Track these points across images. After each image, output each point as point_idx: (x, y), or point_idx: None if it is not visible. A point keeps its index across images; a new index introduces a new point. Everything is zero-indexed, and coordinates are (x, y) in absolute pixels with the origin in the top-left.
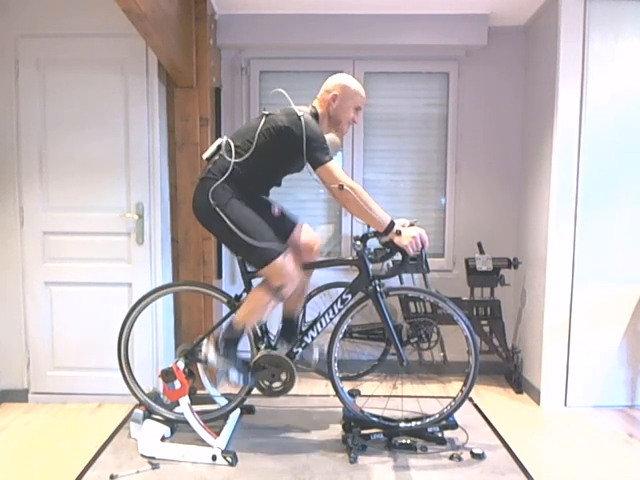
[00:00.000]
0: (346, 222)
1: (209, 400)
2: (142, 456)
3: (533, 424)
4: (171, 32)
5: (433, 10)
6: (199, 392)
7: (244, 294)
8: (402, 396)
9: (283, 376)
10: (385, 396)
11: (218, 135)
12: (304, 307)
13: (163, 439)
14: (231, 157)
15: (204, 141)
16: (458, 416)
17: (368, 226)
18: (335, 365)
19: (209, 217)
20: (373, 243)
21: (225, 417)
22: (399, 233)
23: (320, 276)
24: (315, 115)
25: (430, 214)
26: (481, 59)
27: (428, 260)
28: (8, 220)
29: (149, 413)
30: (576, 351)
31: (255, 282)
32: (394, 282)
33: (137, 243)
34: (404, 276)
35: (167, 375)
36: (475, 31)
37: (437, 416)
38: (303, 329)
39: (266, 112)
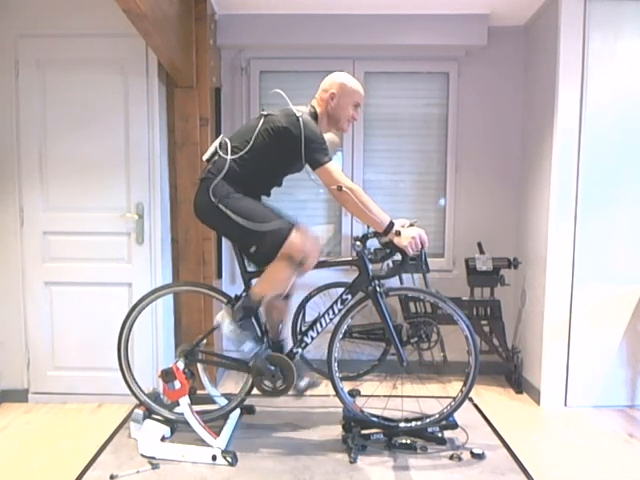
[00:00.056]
0: (346, 222)
1: (209, 400)
2: (142, 456)
3: (533, 424)
4: (171, 32)
5: (433, 10)
6: (199, 392)
7: (244, 294)
8: (402, 396)
9: (283, 376)
10: (385, 396)
11: (218, 135)
12: (304, 307)
13: (163, 439)
14: (228, 155)
15: (204, 141)
16: (458, 416)
17: (368, 226)
18: (335, 365)
19: (213, 216)
20: (373, 243)
21: (225, 417)
22: (398, 233)
23: (320, 276)
24: (314, 114)
25: (430, 214)
26: (481, 59)
27: (428, 260)
28: (8, 220)
29: (149, 413)
30: (576, 351)
31: (255, 282)
32: (394, 282)
33: (137, 243)
34: (404, 276)
35: (167, 375)
36: (475, 31)
37: (437, 416)
38: (303, 329)
39: (265, 112)
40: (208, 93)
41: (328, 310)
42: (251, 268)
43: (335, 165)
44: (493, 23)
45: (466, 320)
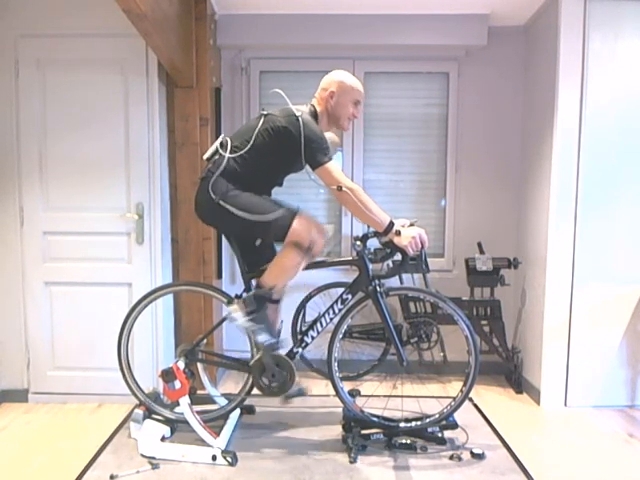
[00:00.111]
0: (346, 222)
1: (209, 400)
2: (142, 456)
3: (533, 424)
4: (171, 32)
5: (433, 10)
6: (199, 392)
7: (244, 294)
8: (402, 396)
9: (283, 376)
10: (385, 396)
11: (218, 135)
12: (304, 307)
13: (163, 439)
14: (227, 153)
15: (204, 141)
16: (458, 416)
17: (368, 226)
18: (335, 365)
19: (215, 213)
20: (373, 243)
21: (225, 417)
22: (399, 233)
23: (320, 276)
24: (314, 113)
25: (430, 214)
26: (481, 59)
27: (428, 260)
28: (8, 220)
29: (149, 413)
30: (576, 351)
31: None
32: (394, 282)
33: (137, 243)
34: (404, 276)
35: (167, 375)
36: (475, 31)
37: (437, 416)
38: (303, 329)
39: (265, 112)
40: (208, 93)
41: (328, 310)
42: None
43: (335, 165)
44: (493, 23)
45: (466, 320)
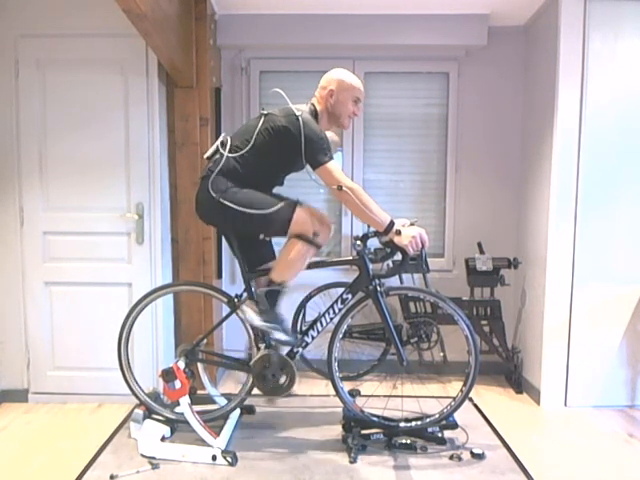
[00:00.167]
0: (346, 222)
1: (209, 400)
2: (142, 456)
3: (533, 424)
4: (171, 32)
5: (433, 10)
6: (199, 392)
7: (244, 294)
8: (402, 396)
9: (283, 376)
10: (385, 396)
11: (218, 135)
12: (304, 307)
13: (163, 439)
14: (226, 151)
15: (204, 141)
16: (458, 416)
17: (368, 226)
18: (335, 365)
19: (216, 211)
20: (373, 243)
21: (225, 417)
22: (399, 233)
23: (320, 276)
24: (314, 113)
25: (430, 214)
26: (481, 59)
27: (428, 260)
28: (8, 220)
29: (149, 413)
30: (576, 351)
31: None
32: (394, 282)
33: (137, 243)
34: (404, 276)
35: (167, 375)
36: (475, 31)
37: (437, 416)
38: (304, 329)
39: (265, 112)
40: (208, 93)
41: (328, 309)
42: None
43: (335, 165)
44: (493, 23)
45: (466, 320)
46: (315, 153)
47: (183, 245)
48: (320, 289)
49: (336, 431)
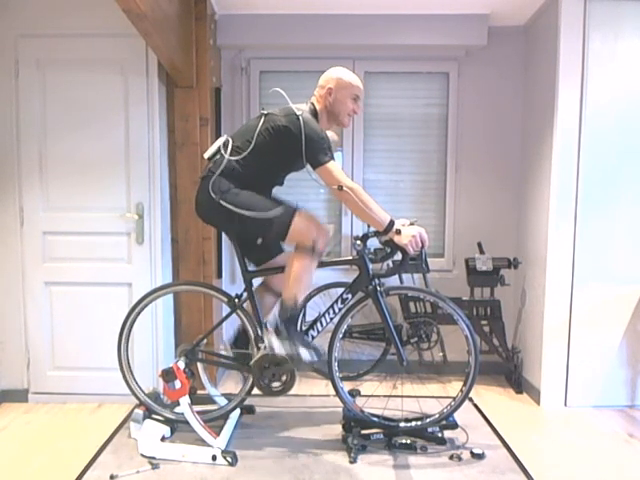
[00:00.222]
0: (346, 222)
1: (209, 400)
2: (142, 456)
3: (533, 424)
4: (171, 32)
5: (433, 10)
6: (199, 392)
7: (244, 293)
8: (402, 396)
9: (283, 376)
10: (385, 396)
11: (218, 135)
12: (304, 307)
13: (163, 439)
14: (227, 154)
15: (204, 141)
16: (458, 416)
17: (368, 226)
18: (335, 365)
19: (215, 212)
20: (373, 243)
21: (225, 417)
22: (399, 232)
23: (320, 276)
24: (314, 112)
25: (430, 214)
26: (481, 59)
27: (428, 260)
28: (8, 220)
29: (149, 413)
30: (576, 351)
31: (256, 281)
32: (394, 282)
33: (137, 243)
34: (404, 276)
35: (167, 375)
36: (475, 31)
37: (437, 416)
38: (304, 328)
39: (265, 112)
40: (208, 93)
41: (328, 309)
42: (251, 267)
43: (336, 164)
44: (493, 23)
45: (466, 320)
46: (316, 153)
47: (183, 245)
48: (320, 289)
49: (336, 431)
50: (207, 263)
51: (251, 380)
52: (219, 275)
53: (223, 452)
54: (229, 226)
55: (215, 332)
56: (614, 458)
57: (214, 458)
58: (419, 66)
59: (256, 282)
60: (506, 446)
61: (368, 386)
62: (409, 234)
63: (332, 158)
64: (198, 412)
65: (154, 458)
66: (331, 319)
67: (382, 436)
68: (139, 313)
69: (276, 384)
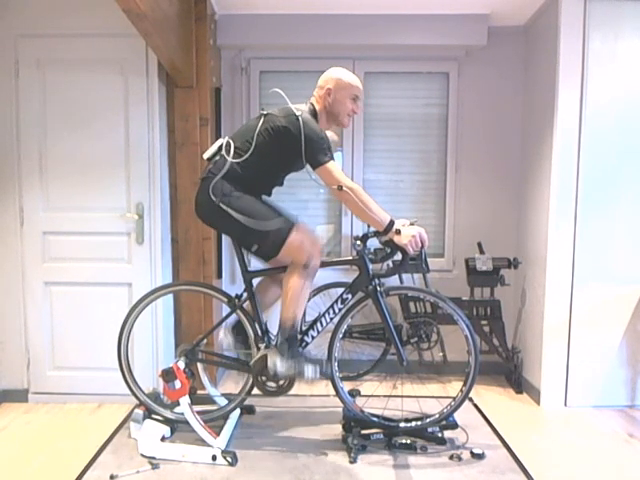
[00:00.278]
0: (346, 222)
1: (209, 400)
2: (142, 456)
3: (533, 424)
4: (171, 32)
5: (433, 10)
6: (199, 392)
7: (244, 294)
8: (402, 396)
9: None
10: (385, 396)
11: (218, 135)
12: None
13: (163, 439)
14: (230, 157)
15: (204, 141)
16: (458, 416)
17: (368, 226)
18: (335, 365)
19: (214, 215)
20: (373, 243)
21: (225, 417)
22: (399, 232)
23: (320, 276)
24: (314, 112)
25: (430, 214)
26: (481, 59)
27: (428, 260)
28: (8, 220)
29: (149, 413)
30: (576, 351)
31: (255, 281)
32: (394, 282)
33: (137, 243)
34: (404, 276)
35: (167, 375)
36: (475, 31)
37: (437, 416)
38: (304, 328)
39: (264, 112)
40: (208, 93)
41: (328, 309)
42: (252, 268)
43: (335, 164)
44: (493, 23)
45: (466, 320)
46: (315, 153)
47: (183, 245)
48: (320, 289)
49: (336, 431)
50: (207, 263)
51: (251, 380)
52: (219, 275)
53: (223, 452)
54: (227, 229)
55: (215, 332)
56: (614, 458)
57: (214, 458)
58: (419, 66)
59: (256, 282)
60: (506, 446)
61: (368, 386)
62: (409, 234)
63: (332, 158)
64: (198, 412)
65: (154, 458)
66: (331, 319)
67: (382, 436)
68: (139, 313)
69: (276, 385)
